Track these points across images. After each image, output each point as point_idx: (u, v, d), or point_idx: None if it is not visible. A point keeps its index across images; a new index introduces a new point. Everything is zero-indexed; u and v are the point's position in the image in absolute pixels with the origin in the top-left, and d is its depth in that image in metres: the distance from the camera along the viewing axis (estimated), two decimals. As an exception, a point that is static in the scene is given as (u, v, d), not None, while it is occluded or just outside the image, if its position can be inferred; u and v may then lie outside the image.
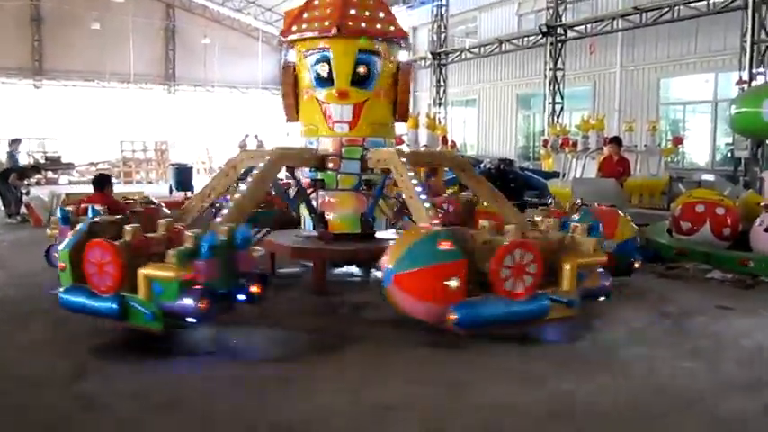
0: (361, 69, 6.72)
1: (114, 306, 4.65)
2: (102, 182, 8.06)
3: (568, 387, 4.17)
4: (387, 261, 4.98)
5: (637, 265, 6.57)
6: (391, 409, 3.82)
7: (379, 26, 6.85)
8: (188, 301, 4.53)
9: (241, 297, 4.90)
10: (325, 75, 6.78)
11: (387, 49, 6.87)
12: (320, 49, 6.80)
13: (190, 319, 4.63)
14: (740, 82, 14.39)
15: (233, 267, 4.89)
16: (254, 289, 4.94)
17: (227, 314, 5.05)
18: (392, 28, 6.90)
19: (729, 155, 16.90)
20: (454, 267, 4.69)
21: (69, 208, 6.35)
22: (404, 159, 6.32)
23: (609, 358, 4.74)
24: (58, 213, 5.63)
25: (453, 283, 4.62)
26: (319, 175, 6.95)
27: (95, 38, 29.61)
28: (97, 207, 6.08)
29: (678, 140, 15.57)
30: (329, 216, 6.96)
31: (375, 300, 6.00)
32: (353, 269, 7.73)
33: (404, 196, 6.31)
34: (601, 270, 5.42)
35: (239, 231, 5.02)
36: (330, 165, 6.85)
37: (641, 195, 12.49)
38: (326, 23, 6.71)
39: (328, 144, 6.87)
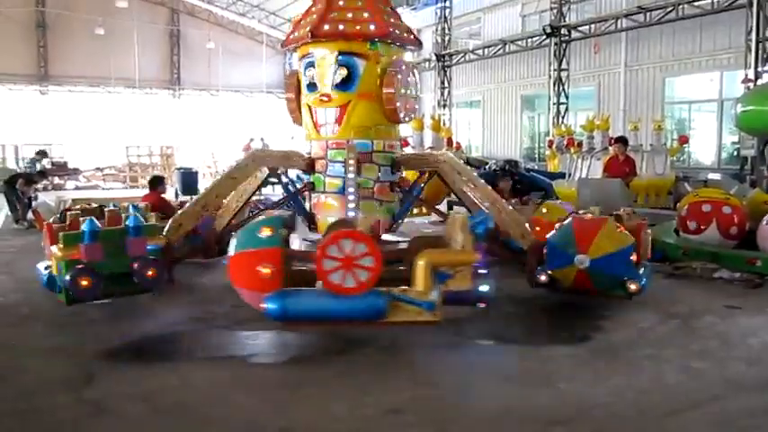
0: (343, 72, 6.73)
1: (45, 279, 5.79)
2: (154, 182, 9.61)
3: (575, 388, 4.15)
4: None
5: (633, 288, 5.60)
6: (396, 413, 3.81)
7: (358, 27, 6.79)
8: (68, 278, 5.23)
9: (134, 279, 5.48)
10: (312, 80, 6.88)
11: (373, 49, 6.78)
12: (309, 54, 6.91)
13: (72, 295, 5.30)
14: (746, 80, 14.34)
15: (125, 252, 5.46)
16: (148, 273, 5.49)
17: (128, 295, 5.73)
18: (372, 27, 6.76)
19: (735, 153, 16.82)
20: (269, 254, 4.58)
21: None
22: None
23: (616, 359, 4.71)
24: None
25: (265, 271, 4.54)
26: (310, 178, 7.12)
27: (100, 43, 29.79)
28: (140, 205, 7.01)
29: (684, 139, 15.51)
30: (319, 218, 7.07)
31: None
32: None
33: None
34: (480, 272, 4.95)
35: (130, 219, 5.61)
36: (317, 167, 6.99)
37: (647, 195, 12.43)
38: (308, 29, 6.79)
39: (317, 147, 7.01)
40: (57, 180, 23.81)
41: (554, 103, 20.23)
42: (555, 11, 19.91)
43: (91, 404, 3.91)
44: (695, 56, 17.66)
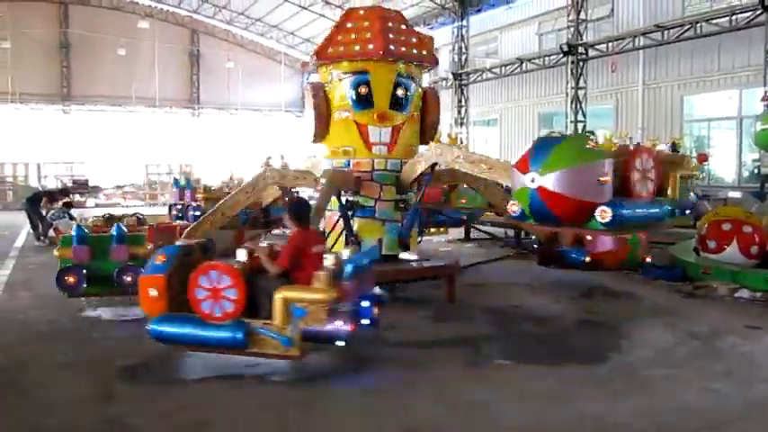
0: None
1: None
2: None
3: (595, 408, 4.11)
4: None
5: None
6: (415, 432, 3.80)
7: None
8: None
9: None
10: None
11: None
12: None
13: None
14: (765, 98, 14.21)
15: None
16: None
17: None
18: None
19: (756, 171, 16.66)
20: None
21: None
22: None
23: (635, 379, 4.67)
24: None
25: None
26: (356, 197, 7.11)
27: (122, 63, 30.30)
28: None
29: (703, 158, 15.39)
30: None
31: (398, 322, 5.99)
32: (375, 290, 7.70)
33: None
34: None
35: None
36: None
37: (666, 213, 12.32)
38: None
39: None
40: (78, 197, 24.15)
41: (572, 122, 20.17)
42: (572, 29, 19.93)
43: (111, 421, 3.93)
44: (714, 74, 17.56)
